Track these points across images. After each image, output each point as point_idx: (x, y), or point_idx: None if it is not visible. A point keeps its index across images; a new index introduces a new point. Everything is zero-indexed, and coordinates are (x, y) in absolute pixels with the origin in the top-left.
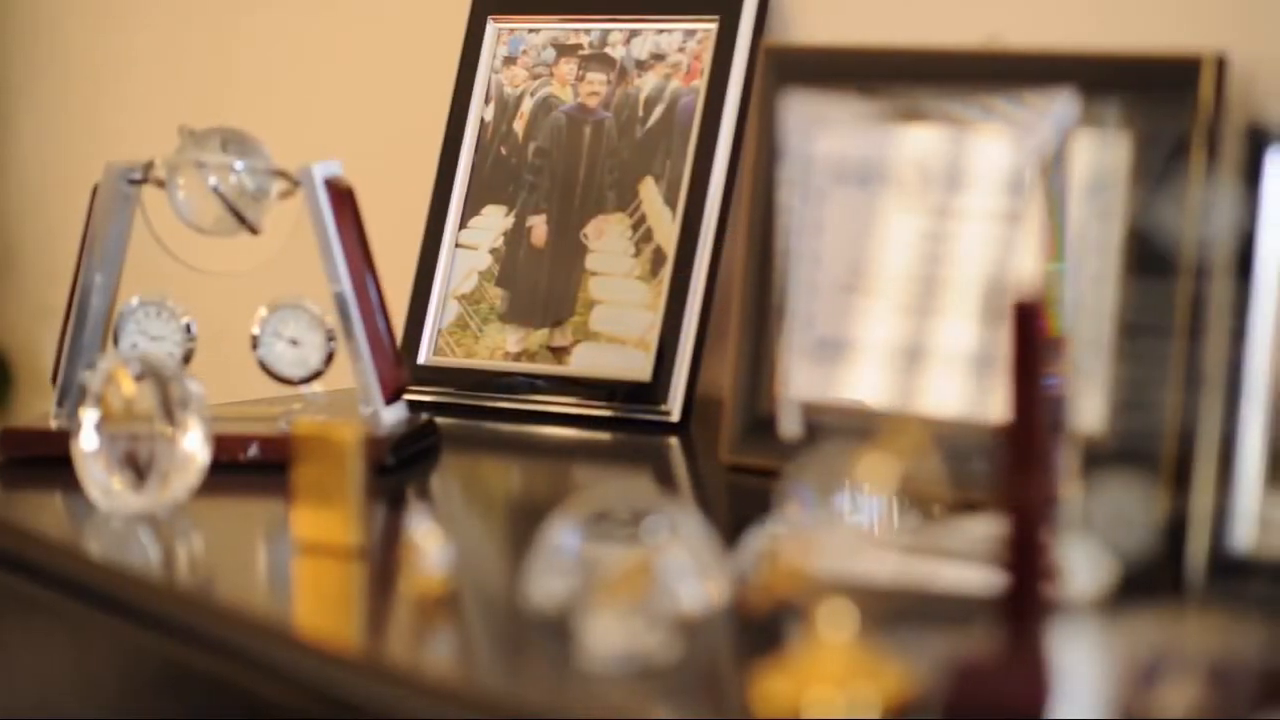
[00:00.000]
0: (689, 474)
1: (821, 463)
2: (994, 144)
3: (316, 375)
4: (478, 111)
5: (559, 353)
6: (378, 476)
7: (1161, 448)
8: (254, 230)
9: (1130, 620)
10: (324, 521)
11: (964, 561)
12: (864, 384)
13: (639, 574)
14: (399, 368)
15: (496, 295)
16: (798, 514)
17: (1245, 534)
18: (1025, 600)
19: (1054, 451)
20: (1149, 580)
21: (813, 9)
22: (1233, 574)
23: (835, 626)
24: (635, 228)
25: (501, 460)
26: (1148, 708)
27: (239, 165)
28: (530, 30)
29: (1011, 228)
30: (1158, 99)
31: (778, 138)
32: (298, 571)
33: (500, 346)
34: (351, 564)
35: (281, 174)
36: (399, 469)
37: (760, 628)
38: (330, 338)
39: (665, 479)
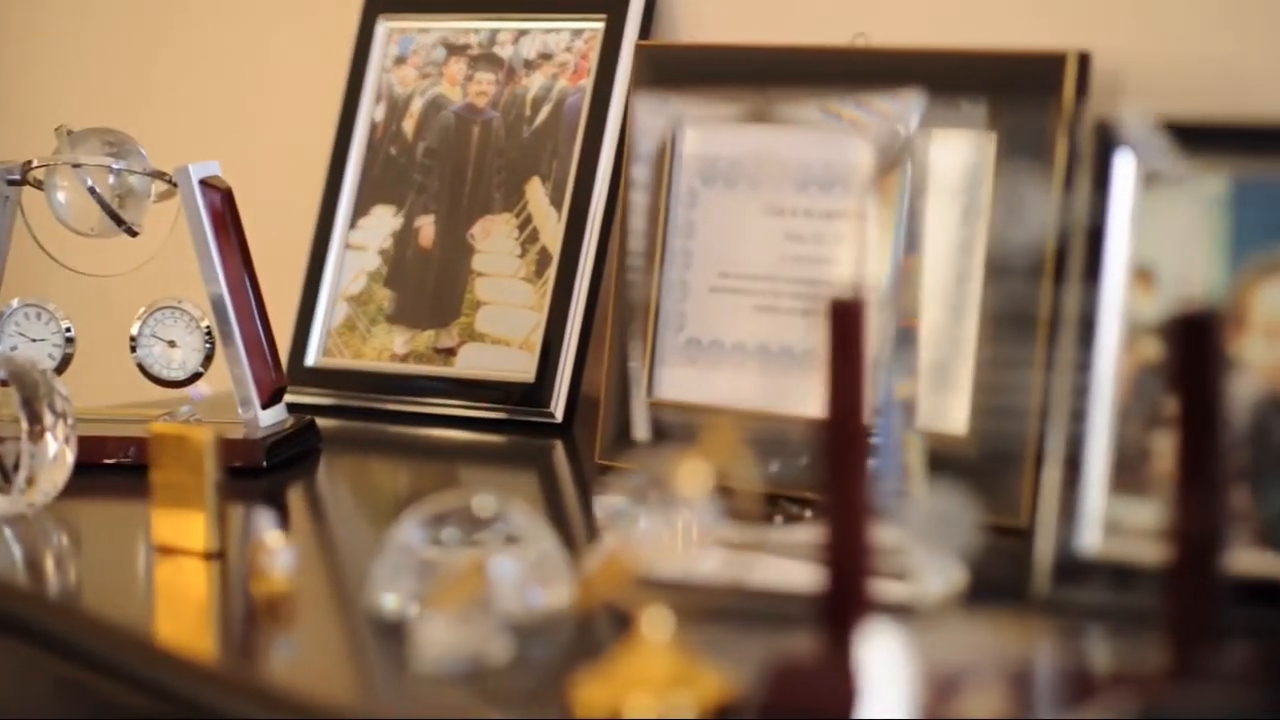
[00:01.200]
0: (571, 475)
1: (645, 465)
2: (847, 143)
3: (196, 377)
4: (368, 111)
5: (446, 354)
6: (253, 478)
7: (1024, 449)
8: (132, 232)
9: (958, 623)
10: (181, 524)
11: (789, 561)
12: (732, 385)
13: (473, 577)
14: (277, 370)
15: (385, 296)
16: (621, 518)
17: (1091, 537)
18: (845, 602)
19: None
20: (998, 583)
21: (701, 8)
22: (1077, 576)
23: (656, 630)
24: (521, 228)
25: (383, 462)
26: (949, 710)
27: (116, 166)
28: (421, 30)
29: (864, 226)
30: (1022, 97)
31: (639, 137)
32: (154, 575)
33: (388, 348)
34: (206, 567)
35: (158, 175)
36: (276, 471)
37: (596, 631)
38: (209, 339)
39: (547, 481)
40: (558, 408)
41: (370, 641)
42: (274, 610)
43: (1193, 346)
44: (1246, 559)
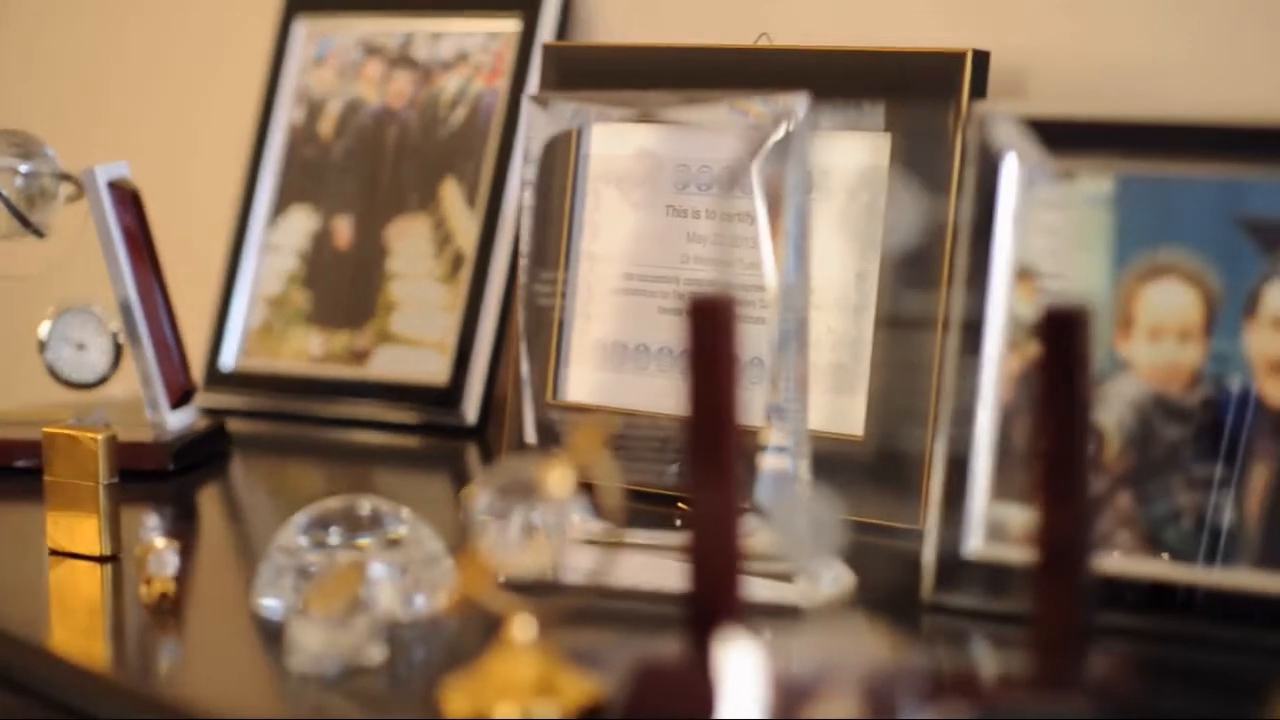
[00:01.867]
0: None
1: (511, 467)
2: (736, 143)
3: (104, 379)
4: (286, 112)
5: (360, 356)
6: (160, 481)
7: (921, 451)
8: (39, 233)
9: (831, 626)
10: (75, 527)
11: (661, 562)
12: (637, 386)
13: (349, 580)
14: (185, 373)
15: (302, 298)
16: (487, 520)
17: (975, 539)
18: (711, 604)
19: (739, 454)
20: (888, 585)
21: (619, 8)
22: (960, 579)
23: (522, 635)
24: (436, 229)
25: (294, 466)
26: (802, 714)
27: (24, 168)
28: (339, 31)
29: (752, 227)
30: (919, 97)
31: (529, 138)
32: (48, 580)
33: (304, 350)
34: (100, 571)
35: (65, 177)
36: (184, 474)
37: (472, 635)
38: (118, 342)
39: (458, 483)
40: (470, 410)
41: (251, 644)
42: (160, 614)
43: (1060, 344)
44: (1131, 562)
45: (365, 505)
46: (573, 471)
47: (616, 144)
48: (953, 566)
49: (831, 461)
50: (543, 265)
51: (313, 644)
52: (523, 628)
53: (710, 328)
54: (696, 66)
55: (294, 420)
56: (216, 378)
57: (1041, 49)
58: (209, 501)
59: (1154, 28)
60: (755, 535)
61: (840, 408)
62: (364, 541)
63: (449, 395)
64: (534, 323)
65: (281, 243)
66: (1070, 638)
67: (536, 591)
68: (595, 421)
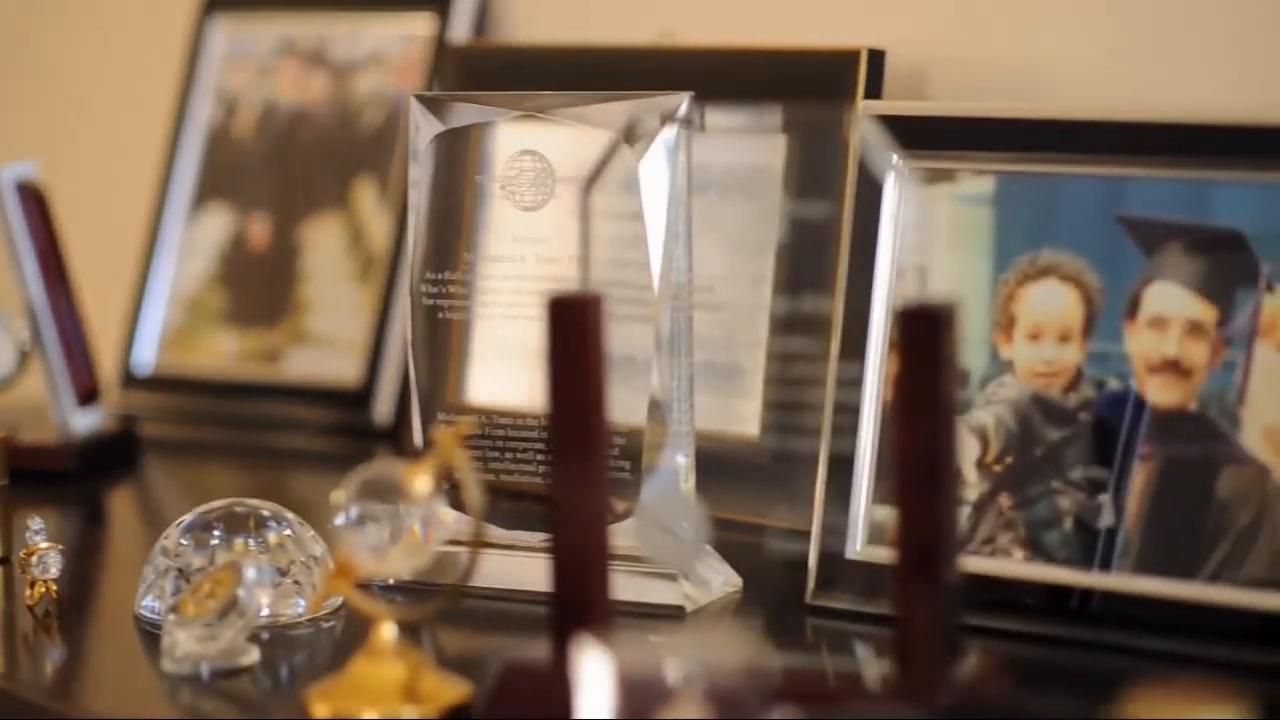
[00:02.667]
0: None
1: (374, 469)
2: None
3: (8, 381)
4: (202, 110)
5: (275, 357)
6: (65, 483)
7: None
8: None
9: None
10: None
11: (533, 562)
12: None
13: (225, 583)
14: (91, 374)
15: (218, 298)
16: (350, 522)
17: (858, 541)
18: (572, 604)
19: (605, 455)
20: (776, 586)
21: (535, 8)
22: (840, 581)
23: (386, 638)
24: (350, 228)
25: (204, 468)
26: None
27: None
28: (256, 30)
29: (635, 226)
30: (815, 95)
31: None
32: None
33: (220, 350)
34: None
35: None
36: (90, 476)
37: (352, 637)
38: (24, 343)
39: None
40: (383, 412)
41: (131, 646)
42: (43, 616)
43: (919, 343)
44: (1009, 564)
45: (249, 508)
46: (435, 472)
47: (510, 144)
48: (835, 568)
49: (726, 463)
50: (440, 267)
51: (186, 646)
52: (387, 631)
53: (571, 326)
54: (600, 66)
55: (208, 422)
56: (131, 380)
57: (943, 48)
58: (114, 504)
59: (1056, 26)
60: (635, 536)
61: (735, 409)
62: (245, 544)
63: (361, 397)
64: (430, 325)
65: (197, 242)
66: (933, 640)
67: (404, 593)
68: (458, 424)
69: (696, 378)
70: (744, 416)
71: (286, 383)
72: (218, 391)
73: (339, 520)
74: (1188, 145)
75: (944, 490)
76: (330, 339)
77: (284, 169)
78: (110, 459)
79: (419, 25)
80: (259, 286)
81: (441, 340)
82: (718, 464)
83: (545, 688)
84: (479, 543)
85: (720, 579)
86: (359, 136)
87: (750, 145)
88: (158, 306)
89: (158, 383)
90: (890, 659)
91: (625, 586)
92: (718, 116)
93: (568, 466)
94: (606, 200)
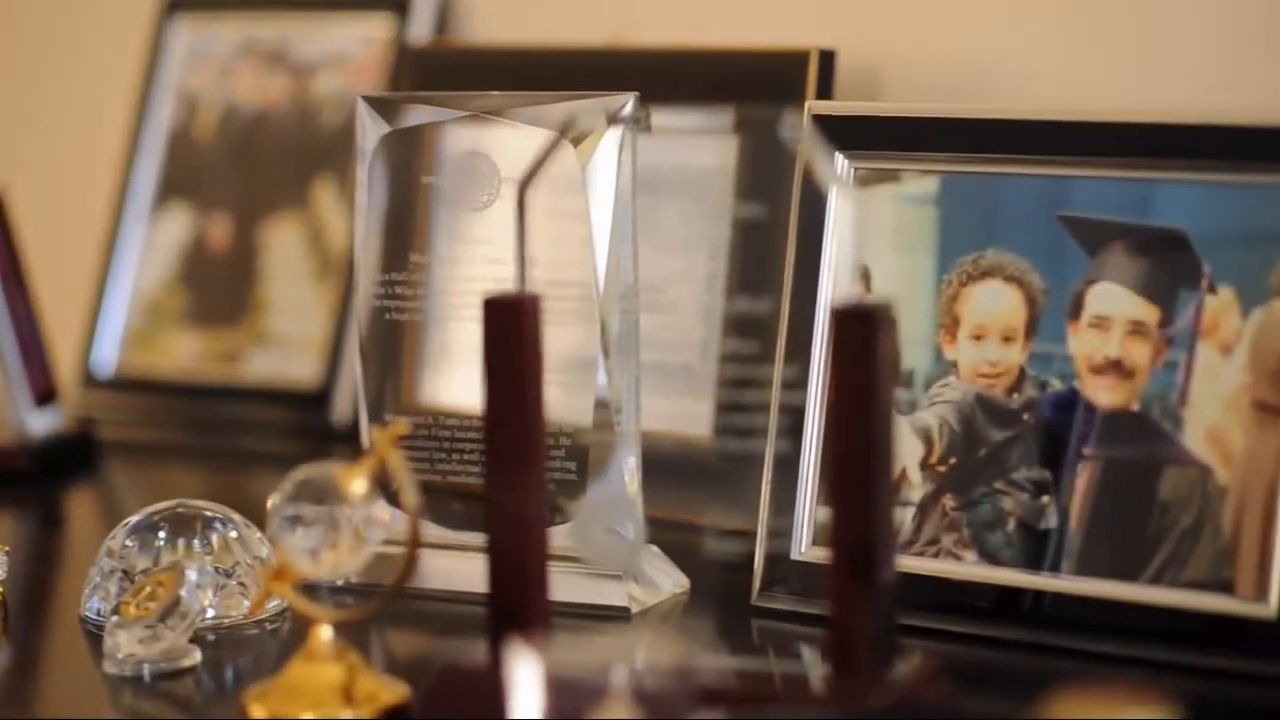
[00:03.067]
0: None
1: (310, 470)
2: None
3: None
4: (163, 111)
5: (235, 357)
6: (20, 485)
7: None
8: None
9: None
10: None
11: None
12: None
13: (167, 584)
14: (46, 375)
15: (178, 298)
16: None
17: (803, 542)
18: (508, 605)
19: (542, 456)
20: (724, 587)
21: (494, 9)
22: (784, 583)
23: (323, 640)
24: (309, 229)
25: (163, 469)
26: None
27: None
28: (217, 30)
29: (581, 227)
30: (766, 95)
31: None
32: None
33: (180, 351)
34: None
35: None
36: (47, 478)
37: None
38: None
39: None
40: (342, 413)
41: (75, 647)
42: None
43: (852, 343)
44: (953, 566)
45: (194, 509)
46: (370, 474)
47: (458, 145)
48: (780, 570)
49: (679, 464)
50: (388, 268)
51: (128, 647)
52: (324, 633)
53: (507, 327)
54: (556, 66)
55: (168, 423)
56: (91, 380)
57: (898, 48)
58: (70, 505)
59: (1010, 26)
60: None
61: (687, 411)
62: (190, 545)
63: (320, 398)
64: (379, 327)
65: (158, 243)
66: (867, 641)
67: (342, 595)
68: (392, 425)
69: (648, 379)
70: (696, 418)
71: (246, 383)
72: (178, 392)
73: (275, 522)
74: (1131, 145)
75: (879, 491)
76: (290, 339)
77: (245, 169)
78: (67, 460)
79: (379, 26)
80: (219, 287)
81: (391, 342)
82: (670, 465)
83: (480, 690)
84: (417, 543)
85: (668, 580)
86: (319, 137)
87: (702, 146)
88: (118, 307)
89: (118, 384)
90: (826, 660)
91: (571, 588)
92: (671, 117)
93: (503, 467)
94: (553, 201)
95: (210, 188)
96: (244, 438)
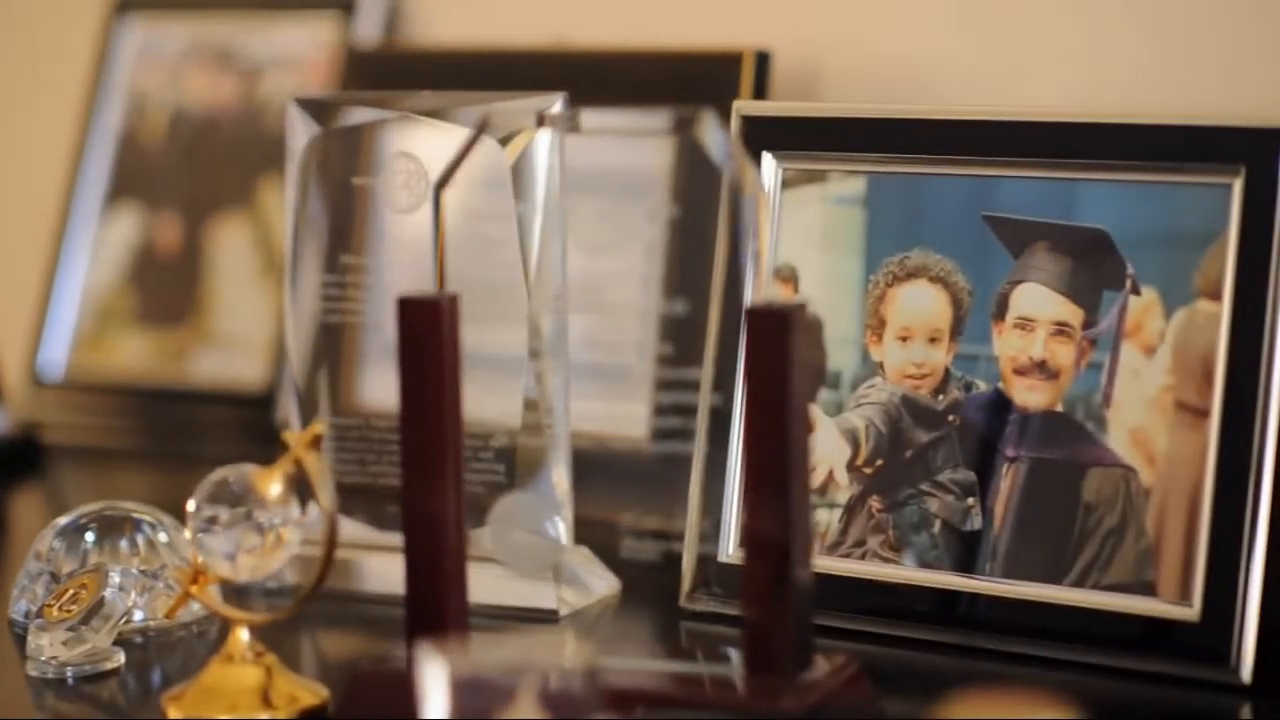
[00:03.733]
0: None
1: (228, 472)
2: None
3: None
4: (112, 111)
5: (183, 358)
6: None
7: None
8: None
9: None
10: None
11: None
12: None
13: (89, 585)
14: None
15: (127, 298)
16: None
17: (731, 543)
18: (425, 607)
19: (458, 457)
20: (656, 589)
21: (442, 10)
22: (718, 582)
23: (241, 642)
24: (256, 229)
25: (108, 472)
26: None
27: None
28: (167, 30)
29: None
30: (702, 96)
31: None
32: None
33: (129, 351)
34: None
35: None
36: None
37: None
38: None
39: None
40: (286, 415)
41: (2, 651)
42: None
43: (765, 343)
44: (879, 567)
45: (123, 511)
46: (286, 475)
47: (387, 146)
48: (709, 571)
49: (615, 466)
50: (318, 269)
51: (51, 649)
52: (242, 635)
53: (422, 327)
54: (500, 68)
55: (115, 424)
56: (39, 382)
57: (835, 48)
58: (13, 508)
59: (947, 26)
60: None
61: (623, 412)
62: (118, 547)
63: (267, 399)
64: (310, 328)
65: (107, 243)
66: (782, 643)
67: (277, 598)
68: (313, 426)
69: (585, 381)
70: (632, 419)
71: (194, 385)
72: (126, 394)
73: (192, 525)
74: (1055, 145)
75: (794, 491)
76: (237, 340)
77: (193, 169)
78: (12, 463)
79: (328, 27)
80: (168, 287)
81: (324, 343)
82: (606, 467)
83: (394, 691)
84: (334, 545)
85: (600, 582)
86: (266, 137)
87: (640, 146)
88: (67, 308)
89: (67, 385)
90: (743, 662)
91: (500, 590)
92: (609, 118)
93: (418, 468)
94: (481, 201)
95: (159, 188)
96: (191, 439)
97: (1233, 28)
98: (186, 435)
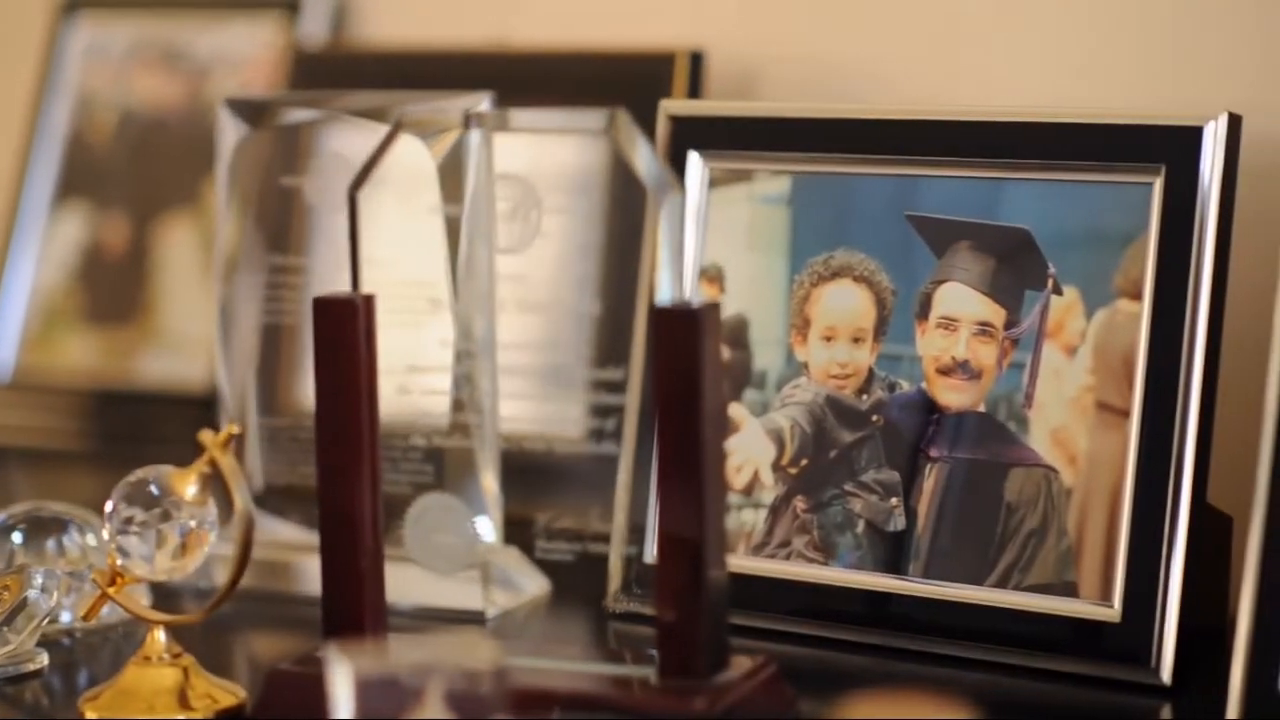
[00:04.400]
0: None
1: (145, 473)
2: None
3: None
4: (60, 110)
5: (130, 358)
6: None
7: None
8: None
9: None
10: None
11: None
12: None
13: (11, 586)
14: None
15: (75, 298)
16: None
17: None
18: (341, 606)
19: (375, 457)
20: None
21: (389, 10)
22: (645, 584)
23: (158, 644)
24: (202, 229)
25: (53, 475)
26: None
27: None
28: (115, 29)
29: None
30: (638, 97)
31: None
32: None
33: (76, 352)
34: None
35: None
36: None
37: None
38: None
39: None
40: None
41: None
42: None
43: (673, 342)
44: (804, 568)
45: (51, 512)
46: (201, 476)
47: (318, 146)
48: (635, 572)
49: (552, 467)
50: (248, 269)
51: None
52: (159, 636)
53: (338, 327)
54: (441, 68)
55: (62, 425)
56: None
57: (773, 48)
58: None
59: (884, 26)
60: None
61: (560, 413)
62: (44, 549)
63: (214, 400)
64: (237, 328)
65: (55, 243)
66: (696, 643)
67: (192, 598)
68: (227, 428)
69: (521, 381)
70: (569, 420)
71: (141, 385)
72: (74, 394)
73: (109, 526)
74: (978, 145)
75: (705, 491)
76: (186, 340)
77: (141, 169)
78: None
79: (274, 26)
80: (115, 287)
81: (258, 344)
82: (543, 467)
83: (308, 692)
84: (249, 545)
85: (529, 583)
86: (213, 137)
87: (577, 147)
88: (15, 308)
89: (14, 386)
90: (658, 663)
91: (427, 591)
92: (537, 117)
93: (333, 468)
94: (408, 201)
95: (106, 187)
96: (139, 440)
97: (1155, 27)
98: (134, 436)
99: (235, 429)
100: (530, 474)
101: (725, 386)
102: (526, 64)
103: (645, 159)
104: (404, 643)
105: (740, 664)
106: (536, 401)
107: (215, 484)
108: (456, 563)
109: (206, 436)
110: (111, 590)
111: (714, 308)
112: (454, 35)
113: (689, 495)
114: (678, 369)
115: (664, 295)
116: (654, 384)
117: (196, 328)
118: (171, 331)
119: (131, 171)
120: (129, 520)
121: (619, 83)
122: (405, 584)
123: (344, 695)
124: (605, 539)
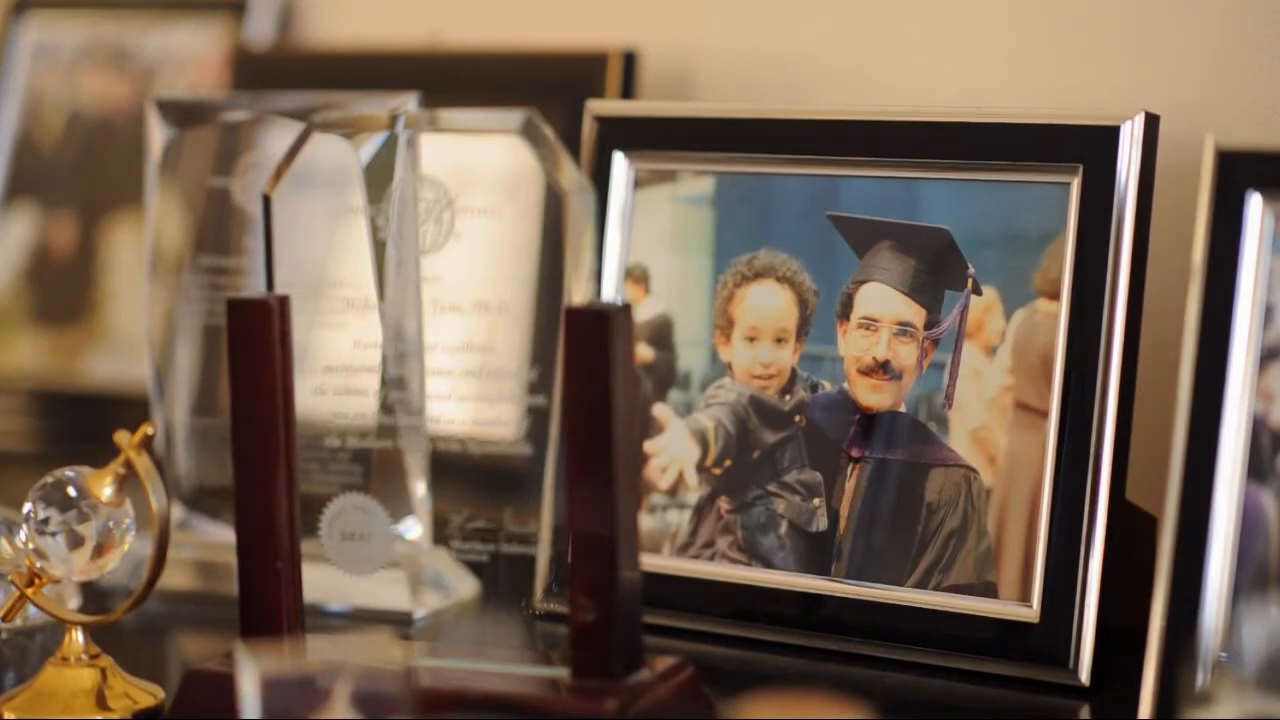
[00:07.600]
0: None
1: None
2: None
3: None
4: (8, 111)
5: (78, 358)
6: None
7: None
8: None
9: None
10: None
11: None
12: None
13: None
14: None
15: (22, 299)
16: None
17: None
18: (259, 609)
19: (291, 457)
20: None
21: (333, 10)
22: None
23: (77, 644)
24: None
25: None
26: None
27: None
28: (64, 30)
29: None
30: (567, 97)
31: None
32: None
33: (24, 352)
34: None
35: None
36: None
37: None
38: None
39: None
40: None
41: None
42: None
43: (583, 343)
44: (727, 568)
45: None
46: (116, 476)
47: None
48: (560, 572)
49: (489, 468)
50: (178, 270)
51: None
52: (77, 637)
53: (252, 328)
54: (384, 68)
55: (11, 427)
56: None
57: (708, 49)
58: None
59: (821, 25)
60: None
61: (498, 414)
62: None
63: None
64: (169, 328)
65: (2, 245)
66: (607, 643)
67: (113, 598)
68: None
69: (461, 381)
70: (507, 421)
71: (89, 385)
72: (21, 394)
73: (27, 527)
74: (898, 145)
75: (615, 490)
76: (133, 341)
77: (89, 169)
78: None
79: (222, 27)
80: (63, 287)
81: (191, 344)
82: (480, 468)
83: (222, 692)
84: (165, 545)
85: (459, 584)
86: None
87: (514, 147)
88: None
89: None
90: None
91: (355, 591)
92: (463, 117)
93: (248, 469)
94: (334, 201)
95: (55, 188)
96: (86, 440)
97: (1072, 27)
98: (81, 436)
99: (150, 429)
100: (466, 475)
101: (641, 387)
102: (463, 64)
103: (556, 160)
104: (318, 643)
105: (657, 665)
106: (476, 403)
107: (134, 484)
108: (373, 564)
109: (122, 437)
110: (30, 591)
111: (626, 309)
112: (397, 36)
113: (600, 495)
114: (588, 370)
115: (574, 296)
116: (564, 385)
117: (140, 326)
118: (119, 332)
119: (79, 172)
120: (46, 521)
121: (554, 83)
122: (335, 585)
123: (251, 695)
124: (521, 539)
